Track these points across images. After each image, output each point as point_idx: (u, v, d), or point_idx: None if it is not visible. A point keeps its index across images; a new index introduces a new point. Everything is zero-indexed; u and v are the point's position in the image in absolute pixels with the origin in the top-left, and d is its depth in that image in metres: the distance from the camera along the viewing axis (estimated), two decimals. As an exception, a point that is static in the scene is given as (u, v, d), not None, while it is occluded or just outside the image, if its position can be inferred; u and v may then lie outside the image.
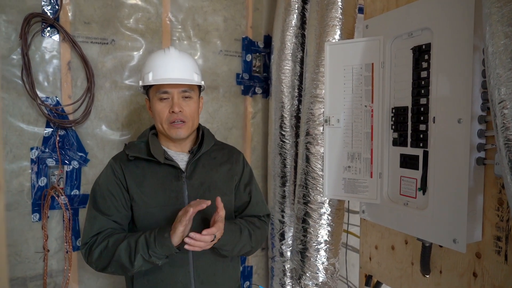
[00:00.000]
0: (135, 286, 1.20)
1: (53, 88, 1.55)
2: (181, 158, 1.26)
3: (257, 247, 1.32)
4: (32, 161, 1.53)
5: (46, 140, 1.55)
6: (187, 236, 1.05)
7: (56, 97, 1.55)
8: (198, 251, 1.14)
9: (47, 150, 1.55)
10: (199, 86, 1.29)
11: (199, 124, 1.34)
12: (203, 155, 1.27)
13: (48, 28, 1.52)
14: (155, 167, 1.20)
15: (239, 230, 1.22)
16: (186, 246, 1.06)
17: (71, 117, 1.58)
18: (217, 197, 1.12)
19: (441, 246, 1.15)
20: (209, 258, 1.20)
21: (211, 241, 1.08)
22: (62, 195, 1.56)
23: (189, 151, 1.27)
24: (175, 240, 1.05)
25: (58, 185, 1.57)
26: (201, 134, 1.30)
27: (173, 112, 1.18)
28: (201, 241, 1.05)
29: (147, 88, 1.24)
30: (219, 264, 1.21)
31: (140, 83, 1.25)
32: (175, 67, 1.20)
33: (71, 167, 1.59)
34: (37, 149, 1.53)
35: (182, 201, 1.19)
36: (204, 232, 1.05)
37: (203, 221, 1.20)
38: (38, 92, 1.51)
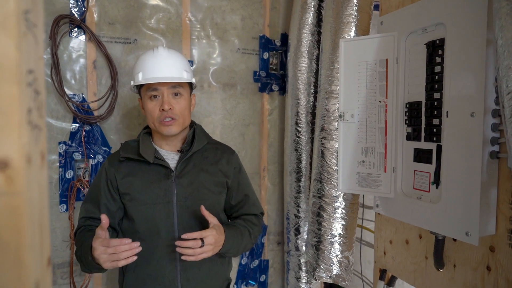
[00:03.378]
0: (126, 279, 1.26)
1: (80, 86, 1.64)
2: (172, 157, 1.28)
3: (255, 242, 1.37)
4: (60, 154, 1.62)
5: (73, 135, 1.64)
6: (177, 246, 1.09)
7: (82, 94, 1.64)
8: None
9: (73, 144, 1.64)
10: (191, 84, 1.32)
11: (193, 122, 1.36)
12: (195, 154, 1.29)
13: (75, 29, 1.61)
14: (146, 166, 1.24)
15: (240, 233, 1.26)
16: (182, 257, 1.10)
17: (96, 113, 1.66)
18: (201, 206, 1.16)
19: (454, 240, 1.16)
20: None
21: (200, 247, 1.10)
22: (87, 187, 1.64)
23: (178, 150, 1.30)
24: (101, 260, 1.05)
25: (84, 178, 1.65)
26: (192, 132, 1.32)
27: (163, 110, 1.20)
28: (188, 246, 1.09)
29: (139, 88, 1.28)
30: (206, 261, 1.22)
31: (132, 83, 1.28)
32: (163, 65, 1.22)
33: (95, 160, 1.68)
34: (64, 143, 1.62)
35: (171, 199, 1.23)
36: (184, 235, 1.09)
37: (198, 228, 1.23)
38: (65, 90, 1.60)
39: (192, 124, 1.36)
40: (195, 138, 1.30)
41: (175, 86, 1.23)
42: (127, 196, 1.23)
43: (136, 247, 1.03)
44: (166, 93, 1.21)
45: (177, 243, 1.10)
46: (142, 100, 1.27)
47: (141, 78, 1.23)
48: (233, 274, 2.00)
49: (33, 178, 0.28)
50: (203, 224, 1.23)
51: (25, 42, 0.26)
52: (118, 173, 1.24)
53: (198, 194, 1.25)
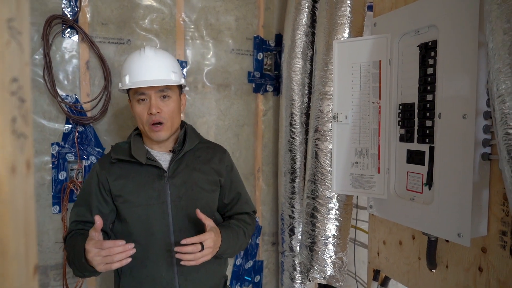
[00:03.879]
0: (122, 282, 1.25)
1: (73, 87, 1.63)
2: (164, 157, 1.28)
3: (249, 241, 1.37)
4: (52, 156, 1.60)
5: (65, 136, 1.62)
6: (176, 252, 1.08)
7: (75, 95, 1.63)
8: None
9: (66, 145, 1.63)
10: (181, 85, 1.30)
11: (184, 122, 1.35)
12: (187, 154, 1.28)
13: (68, 29, 1.60)
14: (138, 168, 1.23)
15: (235, 233, 1.26)
16: (182, 262, 1.08)
17: (89, 114, 1.65)
18: (196, 210, 1.15)
19: (447, 241, 1.17)
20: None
21: (200, 251, 1.09)
22: (80, 189, 1.63)
23: (170, 151, 1.29)
24: (94, 263, 1.03)
25: (77, 179, 1.64)
26: (184, 132, 1.31)
27: (151, 113, 1.19)
28: (188, 251, 1.08)
29: (128, 91, 1.26)
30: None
31: (120, 85, 1.26)
32: (150, 68, 1.20)
33: (89, 162, 1.67)
34: (57, 144, 1.61)
35: (165, 199, 1.22)
36: (183, 241, 1.08)
37: (194, 228, 1.23)
38: (58, 90, 1.58)
39: (183, 124, 1.35)
40: (186, 138, 1.29)
41: (163, 89, 1.22)
42: (120, 198, 1.22)
43: (130, 248, 1.02)
44: (154, 96, 1.20)
45: (177, 249, 1.09)
46: (131, 103, 1.26)
47: (128, 82, 1.21)
48: (228, 274, 2.00)
49: (18, 187, 0.28)
50: (199, 224, 1.23)
51: (8, 51, 0.26)
52: (110, 176, 1.23)
53: (192, 193, 1.24)
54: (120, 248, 1.00)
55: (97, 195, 1.23)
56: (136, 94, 1.21)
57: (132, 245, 1.02)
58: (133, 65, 1.22)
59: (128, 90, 1.25)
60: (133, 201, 1.21)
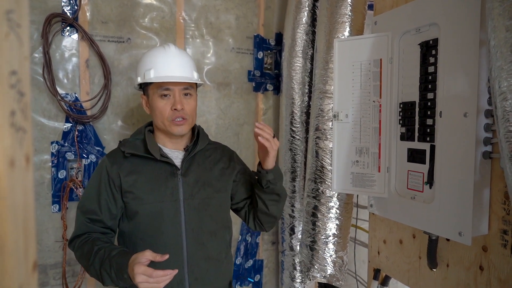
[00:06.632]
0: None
1: (72, 85, 1.62)
2: (176, 155, 1.27)
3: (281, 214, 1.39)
4: (52, 154, 1.60)
5: (65, 134, 1.62)
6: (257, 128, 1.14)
7: (75, 93, 1.62)
8: (192, 250, 1.19)
9: (66, 144, 1.62)
10: (196, 84, 1.32)
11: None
12: (198, 154, 1.29)
13: (68, 28, 1.59)
14: (151, 164, 1.22)
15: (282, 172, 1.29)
16: (260, 137, 1.14)
17: (89, 113, 1.65)
18: (258, 123, 1.20)
19: (448, 240, 1.16)
20: (202, 255, 1.22)
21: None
22: (80, 187, 1.63)
23: (184, 149, 1.29)
24: (141, 286, 1.01)
25: (77, 178, 1.64)
26: (197, 132, 1.32)
27: (175, 109, 1.19)
28: (266, 130, 1.14)
29: (145, 85, 1.25)
30: (212, 262, 1.22)
31: (139, 79, 1.24)
32: (176, 64, 1.22)
33: (88, 160, 1.66)
34: (57, 143, 1.61)
35: (177, 197, 1.21)
36: (257, 124, 1.15)
37: (206, 227, 1.24)
38: (58, 89, 1.58)
39: (194, 125, 1.36)
40: (199, 137, 1.30)
41: (187, 87, 1.23)
42: (130, 194, 1.20)
43: (175, 273, 1.03)
44: (178, 93, 1.21)
45: (258, 125, 1.14)
46: (150, 98, 1.24)
47: (153, 76, 1.20)
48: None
49: (17, 182, 0.28)
50: (210, 222, 1.23)
51: (7, 43, 0.25)
52: (121, 170, 1.21)
53: (205, 192, 1.24)
54: (168, 277, 1.01)
55: (107, 191, 1.21)
56: (159, 89, 1.21)
57: (177, 270, 1.03)
58: (158, 59, 1.22)
59: (146, 85, 1.25)
60: (145, 198, 1.19)
